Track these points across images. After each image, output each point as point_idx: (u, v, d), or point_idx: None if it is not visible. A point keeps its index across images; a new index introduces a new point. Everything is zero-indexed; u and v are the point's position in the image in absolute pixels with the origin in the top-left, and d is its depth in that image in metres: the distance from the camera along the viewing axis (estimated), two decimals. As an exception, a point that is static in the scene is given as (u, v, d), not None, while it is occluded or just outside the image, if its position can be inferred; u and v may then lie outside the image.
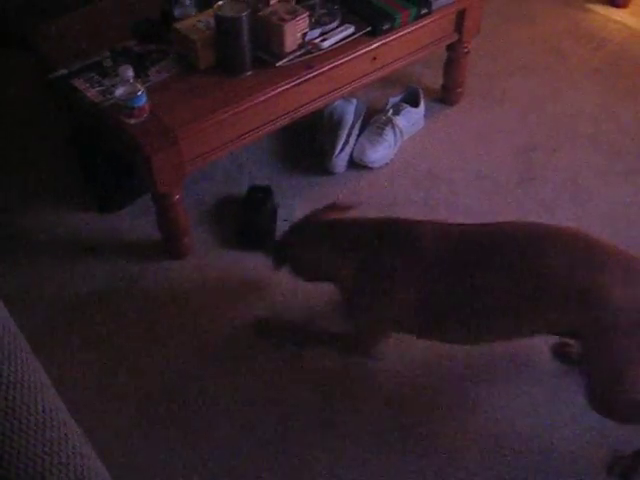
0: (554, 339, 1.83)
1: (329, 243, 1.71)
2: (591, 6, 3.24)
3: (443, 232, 1.62)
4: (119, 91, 1.77)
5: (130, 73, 1.77)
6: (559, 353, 1.86)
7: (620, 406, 1.56)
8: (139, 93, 1.77)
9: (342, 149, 2.34)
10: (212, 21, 1.91)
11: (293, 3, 2.02)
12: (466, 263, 1.56)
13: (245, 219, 2.19)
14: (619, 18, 3.17)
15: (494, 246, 1.56)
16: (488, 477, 1.66)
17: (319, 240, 1.74)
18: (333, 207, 1.85)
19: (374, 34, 2.09)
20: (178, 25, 1.96)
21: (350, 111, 2.41)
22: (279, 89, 1.94)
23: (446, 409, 1.78)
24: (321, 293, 1.96)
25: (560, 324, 1.54)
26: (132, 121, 1.79)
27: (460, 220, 1.73)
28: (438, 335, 1.71)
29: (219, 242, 2.17)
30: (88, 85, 1.92)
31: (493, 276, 1.53)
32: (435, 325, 1.66)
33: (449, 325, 1.64)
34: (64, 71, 1.95)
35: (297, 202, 2.28)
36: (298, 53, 1.99)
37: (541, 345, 1.86)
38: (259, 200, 2.21)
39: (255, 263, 2.11)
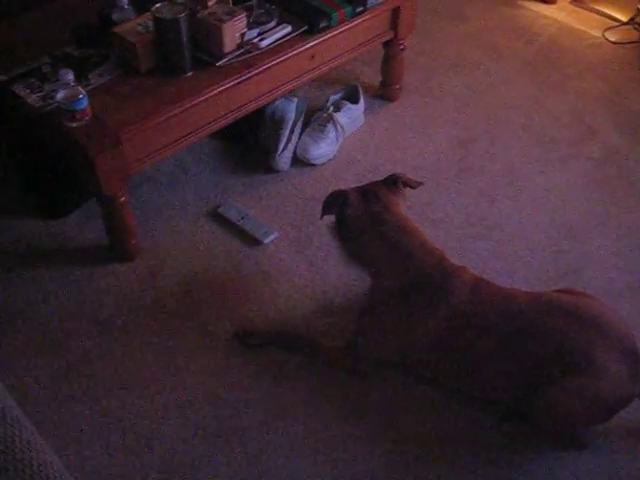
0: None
1: (388, 244, 1.74)
2: (522, 3, 3.35)
3: (483, 289, 1.70)
4: (60, 95, 1.78)
5: (70, 76, 1.78)
6: None
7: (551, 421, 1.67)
8: (80, 96, 1.77)
9: (285, 147, 2.38)
10: (151, 24, 1.94)
11: (231, 4, 2.05)
12: (486, 327, 1.66)
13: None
14: (549, 14, 3.28)
15: (518, 320, 1.65)
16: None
17: (381, 231, 1.74)
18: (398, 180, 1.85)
19: (311, 33, 2.13)
20: (117, 29, 1.97)
21: (291, 109, 2.45)
22: (219, 89, 1.97)
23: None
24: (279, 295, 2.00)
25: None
26: (74, 124, 1.80)
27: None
28: (434, 375, 1.81)
29: (167, 244, 2.19)
30: (28, 91, 1.92)
31: (503, 348, 1.64)
32: (436, 367, 1.77)
33: (447, 372, 1.76)
34: (3, 77, 1.95)
35: (242, 201, 2.31)
36: (237, 53, 2.02)
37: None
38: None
39: (204, 265, 2.13)
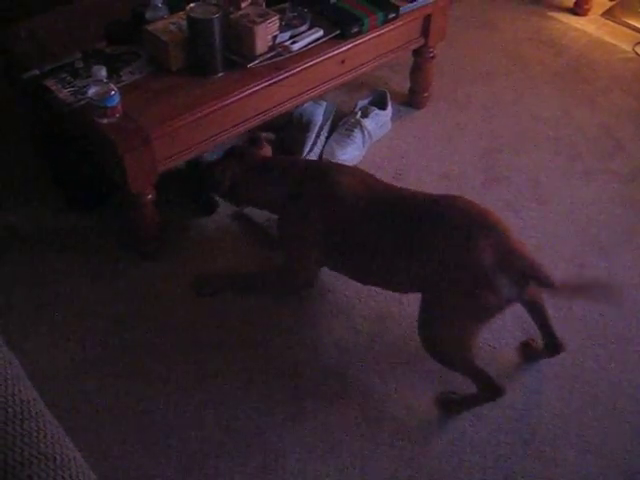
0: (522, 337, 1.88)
1: (266, 174, 1.97)
2: (553, 14, 3.34)
3: (365, 183, 1.86)
4: (92, 90, 1.79)
5: (103, 73, 1.79)
6: (525, 351, 1.94)
7: (433, 349, 1.75)
8: (112, 93, 1.78)
9: (311, 150, 2.38)
10: (184, 23, 1.94)
11: (264, 6, 2.06)
12: (369, 216, 1.79)
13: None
14: (579, 26, 3.27)
15: (397, 209, 1.77)
16: (455, 465, 1.71)
17: (258, 172, 1.98)
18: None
19: (343, 37, 2.13)
20: (150, 27, 1.98)
21: (319, 113, 2.45)
22: (249, 90, 1.97)
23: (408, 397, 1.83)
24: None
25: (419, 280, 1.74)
26: (105, 121, 1.81)
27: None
28: (340, 269, 1.95)
29: (191, 244, 2.20)
30: (60, 86, 1.93)
31: (385, 233, 1.75)
32: (337, 260, 1.91)
33: (346, 263, 1.90)
34: (36, 72, 1.96)
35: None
36: (268, 55, 2.03)
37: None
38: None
39: (228, 265, 2.14)
